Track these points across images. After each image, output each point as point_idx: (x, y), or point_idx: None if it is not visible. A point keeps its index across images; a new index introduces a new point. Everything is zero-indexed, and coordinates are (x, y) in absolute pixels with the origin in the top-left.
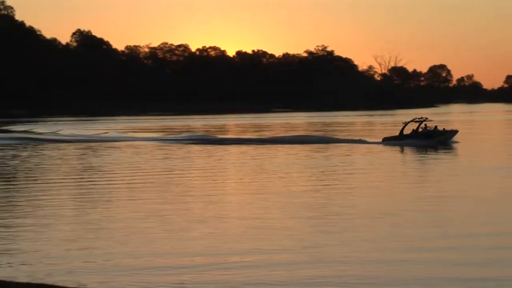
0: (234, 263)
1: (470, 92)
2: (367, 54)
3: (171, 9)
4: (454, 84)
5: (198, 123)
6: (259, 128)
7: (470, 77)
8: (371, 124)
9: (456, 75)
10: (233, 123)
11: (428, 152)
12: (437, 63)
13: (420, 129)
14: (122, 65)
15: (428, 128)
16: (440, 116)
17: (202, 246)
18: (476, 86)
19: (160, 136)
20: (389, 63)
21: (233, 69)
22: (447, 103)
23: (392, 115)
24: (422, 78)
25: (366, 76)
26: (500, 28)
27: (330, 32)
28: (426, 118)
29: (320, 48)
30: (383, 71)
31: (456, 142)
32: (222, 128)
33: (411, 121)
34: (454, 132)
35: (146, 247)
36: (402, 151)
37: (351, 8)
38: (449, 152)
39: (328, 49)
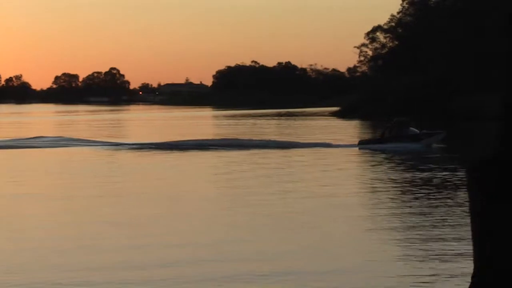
0: None
1: (19, 92)
2: None
3: None
4: (3, 85)
5: None
6: None
7: (18, 77)
8: None
9: (5, 75)
10: None
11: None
12: None
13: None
14: None
15: (411, 129)
16: None
17: None
18: (25, 87)
19: None
20: None
21: None
22: None
23: None
24: None
25: None
26: (47, 26)
27: None
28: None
29: None
30: None
31: (440, 145)
32: None
33: (392, 122)
34: (441, 133)
35: None
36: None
37: None
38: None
39: None
